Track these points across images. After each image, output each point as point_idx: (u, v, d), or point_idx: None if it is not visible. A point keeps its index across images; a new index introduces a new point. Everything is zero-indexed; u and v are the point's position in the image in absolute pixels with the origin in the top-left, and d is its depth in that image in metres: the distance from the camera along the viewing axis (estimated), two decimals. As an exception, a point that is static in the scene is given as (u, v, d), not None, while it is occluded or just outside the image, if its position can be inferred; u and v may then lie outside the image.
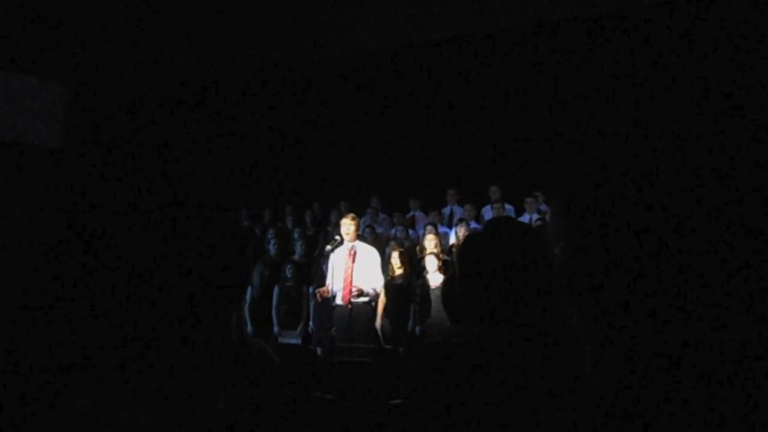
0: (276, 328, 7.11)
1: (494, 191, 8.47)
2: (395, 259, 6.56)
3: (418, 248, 7.59)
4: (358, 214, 6.84)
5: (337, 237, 6.05)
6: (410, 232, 8.39)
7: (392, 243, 7.51)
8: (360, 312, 5.80)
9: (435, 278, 6.40)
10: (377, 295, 6.08)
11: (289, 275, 7.15)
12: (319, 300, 5.98)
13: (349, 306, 5.77)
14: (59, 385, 1.34)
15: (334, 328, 5.97)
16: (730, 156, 6.80)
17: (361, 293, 5.78)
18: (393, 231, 8.35)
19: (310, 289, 7.18)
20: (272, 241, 7.86)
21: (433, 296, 6.23)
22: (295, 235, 8.05)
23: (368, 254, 6.00)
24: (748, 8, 7.41)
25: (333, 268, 5.89)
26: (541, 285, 1.44)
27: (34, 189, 8.81)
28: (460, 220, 7.76)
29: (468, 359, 1.42)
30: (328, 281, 5.90)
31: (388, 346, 6.08)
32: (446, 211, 8.96)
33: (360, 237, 6.36)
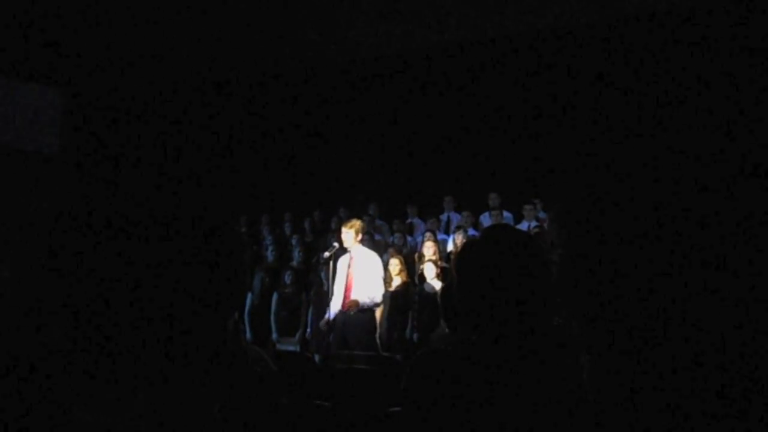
0: (274, 335, 7.10)
1: (493, 198, 8.47)
2: (393, 266, 6.55)
3: (416, 255, 7.58)
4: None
5: (335, 243, 6.03)
6: (408, 239, 8.38)
7: (390, 250, 7.50)
8: (358, 319, 5.77)
9: (433, 285, 6.39)
10: (376, 305, 6.04)
11: (287, 282, 7.14)
12: (323, 329, 5.97)
13: (347, 312, 5.75)
14: (55, 391, 1.33)
15: (332, 335, 5.95)
16: (729, 162, 6.81)
17: (356, 305, 5.75)
18: (391, 238, 8.34)
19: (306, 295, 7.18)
20: (270, 248, 7.85)
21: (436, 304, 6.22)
22: (293, 242, 8.04)
23: (368, 260, 5.95)
24: (742, 18, 7.45)
25: (334, 275, 5.87)
26: (539, 292, 1.44)
27: (30, 194, 8.80)
28: (458, 227, 7.75)
29: (465, 367, 1.41)
30: (333, 290, 5.88)
31: (386, 354, 6.05)
32: (443, 218, 8.96)
33: (359, 243, 6.33)
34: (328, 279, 5.99)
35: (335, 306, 5.84)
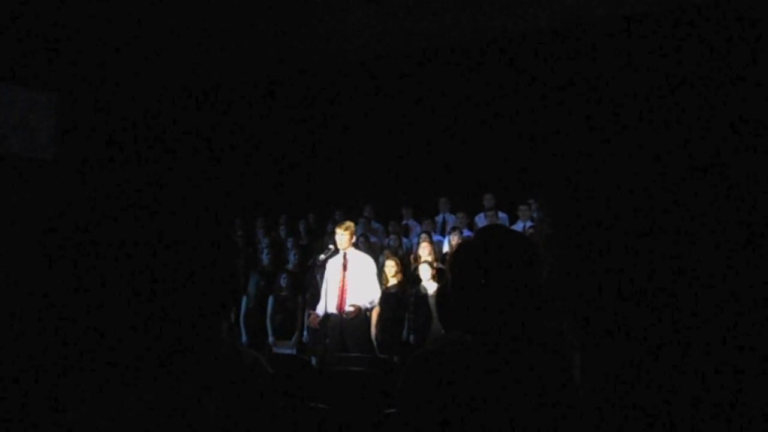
0: (270, 338, 7.09)
1: (488, 199, 8.50)
2: (389, 267, 6.56)
3: (412, 257, 7.59)
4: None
5: (331, 246, 6.03)
6: (404, 240, 8.40)
7: (386, 252, 7.51)
8: (353, 321, 5.78)
9: (429, 287, 6.39)
10: (374, 307, 6.07)
11: (283, 285, 7.13)
12: (312, 326, 5.97)
13: (343, 315, 5.75)
14: (50, 393, 1.34)
15: (328, 338, 5.95)
16: (722, 161, 6.85)
17: (359, 311, 5.76)
18: (387, 240, 8.35)
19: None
20: (265, 251, 7.85)
21: (431, 305, 6.22)
22: (289, 245, 8.05)
23: (362, 263, 5.95)
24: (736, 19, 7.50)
25: (327, 277, 5.86)
26: (533, 293, 1.45)
27: (25, 200, 8.78)
28: (454, 228, 7.77)
29: (461, 367, 1.42)
30: (322, 291, 5.88)
31: (383, 355, 6.06)
32: (439, 219, 8.98)
33: (354, 246, 6.33)
34: (325, 282, 6.00)
35: (328, 307, 5.82)
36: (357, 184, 9.97)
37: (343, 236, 5.82)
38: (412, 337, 6.43)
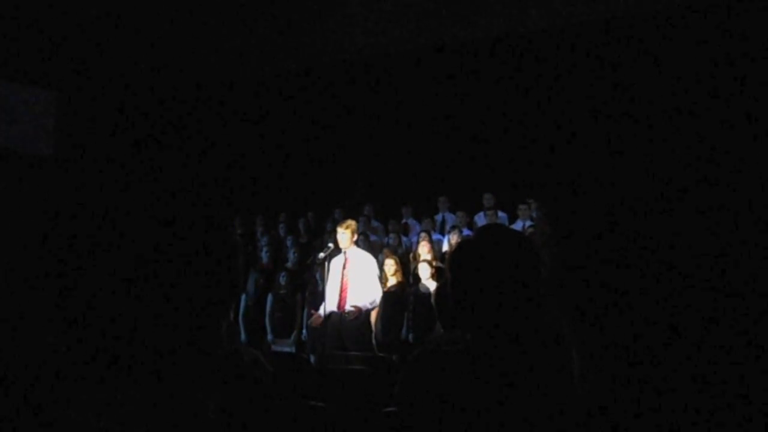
0: (270, 336, 7.09)
1: (488, 198, 8.50)
2: (388, 266, 6.56)
3: (411, 256, 7.59)
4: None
5: (330, 244, 6.02)
6: (403, 239, 8.40)
7: (385, 250, 7.51)
8: (353, 320, 5.77)
9: (428, 285, 6.40)
10: (375, 307, 6.07)
11: (282, 283, 7.14)
12: (315, 326, 5.94)
13: (344, 314, 5.74)
14: (46, 394, 1.34)
15: (327, 336, 5.94)
16: (723, 162, 6.84)
17: (359, 312, 5.75)
18: (386, 239, 8.36)
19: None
20: (265, 249, 7.85)
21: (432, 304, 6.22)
22: (288, 243, 8.04)
23: (363, 262, 5.94)
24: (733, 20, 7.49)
25: (328, 276, 5.85)
26: (532, 291, 1.45)
27: (25, 197, 8.77)
28: (453, 227, 7.77)
29: (460, 366, 1.42)
30: (325, 290, 5.87)
31: (382, 354, 6.06)
32: (438, 218, 8.98)
33: (354, 245, 6.32)
34: (323, 280, 5.99)
35: (328, 306, 5.82)
36: (357, 182, 9.97)
37: (344, 235, 5.80)
38: (411, 336, 6.44)
